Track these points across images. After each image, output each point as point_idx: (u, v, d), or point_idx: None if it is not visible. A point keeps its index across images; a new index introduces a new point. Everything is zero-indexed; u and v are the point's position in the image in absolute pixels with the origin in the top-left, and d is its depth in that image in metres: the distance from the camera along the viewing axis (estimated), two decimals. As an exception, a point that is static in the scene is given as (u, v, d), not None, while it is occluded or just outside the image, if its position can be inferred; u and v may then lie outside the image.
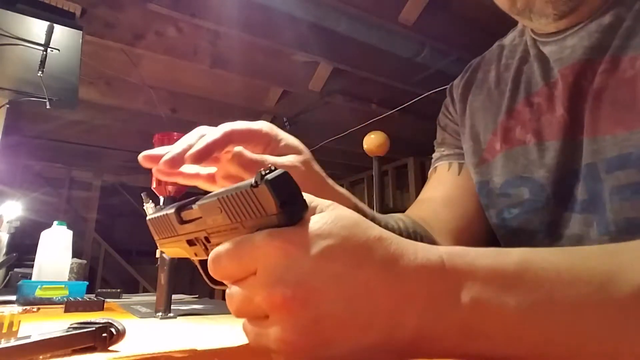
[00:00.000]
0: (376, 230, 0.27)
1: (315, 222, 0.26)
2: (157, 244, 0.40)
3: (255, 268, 0.26)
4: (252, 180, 0.26)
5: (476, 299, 0.24)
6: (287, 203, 0.26)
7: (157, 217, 0.38)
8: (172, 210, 0.35)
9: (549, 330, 0.24)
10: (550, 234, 0.50)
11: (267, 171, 0.26)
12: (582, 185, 0.47)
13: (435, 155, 0.68)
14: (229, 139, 0.38)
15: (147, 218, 0.38)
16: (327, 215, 0.27)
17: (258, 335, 0.26)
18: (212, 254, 0.28)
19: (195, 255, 0.35)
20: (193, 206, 0.33)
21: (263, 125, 0.41)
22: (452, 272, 0.26)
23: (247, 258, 0.26)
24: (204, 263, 0.33)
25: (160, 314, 0.79)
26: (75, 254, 1.33)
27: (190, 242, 0.35)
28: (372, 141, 2.04)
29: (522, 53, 0.57)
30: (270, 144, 0.42)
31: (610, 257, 0.26)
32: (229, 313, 0.30)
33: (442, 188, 0.63)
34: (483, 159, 0.58)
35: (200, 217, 0.31)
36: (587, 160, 0.46)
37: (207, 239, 0.32)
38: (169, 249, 0.39)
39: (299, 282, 0.24)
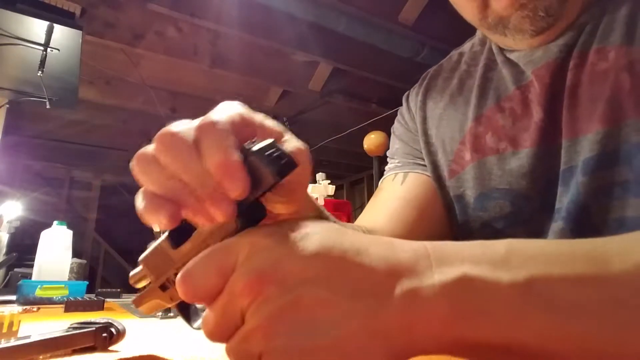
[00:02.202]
0: (351, 229, 0.27)
1: (288, 222, 0.26)
2: (135, 305, 0.37)
3: (232, 272, 0.24)
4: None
5: (467, 274, 0.23)
6: (282, 172, 0.24)
7: (150, 252, 0.33)
8: (165, 238, 0.32)
9: (549, 307, 0.22)
10: None
11: (250, 144, 0.25)
12: (561, 192, 0.44)
13: (387, 168, 0.64)
14: None
15: (140, 259, 0.35)
16: (299, 220, 0.27)
17: (240, 343, 0.24)
18: (182, 271, 0.26)
19: (171, 299, 0.33)
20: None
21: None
22: (437, 255, 0.24)
23: (222, 260, 0.24)
24: (182, 306, 0.32)
25: (160, 313, 0.79)
26: (75, 254, 1.33)
27: (163, 287, 0.32)
28: (372, 141, 2.04)
29: (486, 60, 0.55)
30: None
31: (603, 243, 0.25)
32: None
33: (383, 200, 0.59)
34: (452, 171, 0.54)
35: (196, 229, 0.29)
36: (567, 164, 0.43)
37: (176, 275, 0.30)
38: (145, 306, 0.36)
39: (275, 266, 0.23)
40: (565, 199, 0.44)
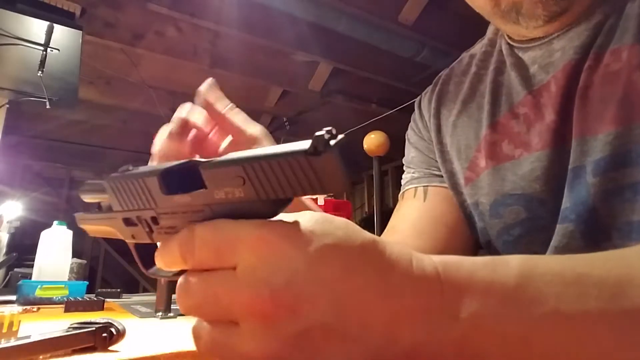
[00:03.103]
0: (368, 233, 0.24)
1: (308, 220, 0.23)
2: (78, 220, 0.32)
3: (235, 262, 0.22)
4: (305, 146, 0.20)
5: (474, 314, 0.22)
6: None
7: (128, 179, 0.27)
8: (155, 175, 0.25)
9: (555, 348, 0.22)
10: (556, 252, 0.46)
11: (328, 135, 0.19)
12: (568, 192, 0.43)
13: (405, 177, 0.63)
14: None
15: (107, 180, 0.28)
16: (317, 214, 0.24)
17: (220, 344, 0.22)
18: (181, 234, 0.24)
19: (133, 237, 0.29)
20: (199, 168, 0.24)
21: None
22: (448, 286, 0.23)
23: (228, 247, 0.22)
24: (141, 248, 0.29)
25: (160, 313, 0.79)
26: (75, 254, 1.33)
27: (129, 222, 0.28)
28: (372, 141, 2.03)
29: (496, 63, 0.54)
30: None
31: (619, 264, 0.24)
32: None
33: (410, 218, 0.58)
34: (467, 179, 0.54)
35: (205, 188, 0.23)
36: (575, 164, 0.43)
37: (154, 219, 0.26)
38: (91, 227, 0.32)
39: (289, 286, 0.21)
40: (572, 199, 0.43)
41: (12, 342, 0.37)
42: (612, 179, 0.40)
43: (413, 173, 0.62)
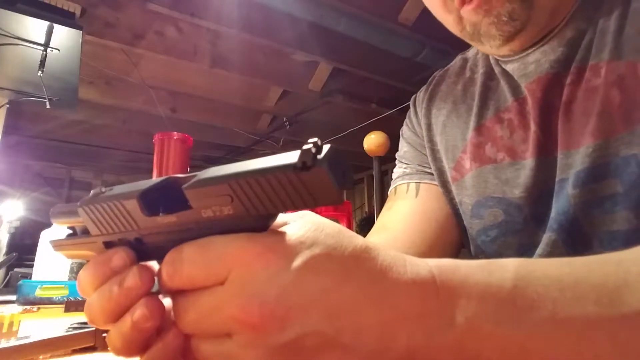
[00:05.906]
0: (361, 240, 0.24)
1: (298, 229, 0.23)
2: (55, 247, 0.31)
3: (225, 277, 0.22)
4: (293, 159, 0.20)
5: (471, 319, 0.22)
6: (341, 184, 0.20)
7: (103, 203, 0.26)
8: (134, 198, 0.24)
9: (553, 353, 0.22)
10: (530, 257, 0.47)
11: (315, 148, 0.19)
12: (553, 203, 0.45)
13: (396, 172, 0.64)
14: None
15: (80, 205, 0.27)
16: (308, 222, 0.24)
17: (216, 357, 0.23)
18: (170, 255, 0.24)
19: None
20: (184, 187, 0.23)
21: None
22: (444, 290, 0.23)
23: (217, 263, 0.22)
24: None
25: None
26: (75, 253, 1.33)
27: (111, 245, 0.27)
28: (372, 141, 2.03)
29: (486, 68, 0.56)
30: None
31: (616, 268, 0.24)
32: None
33: (401, 213, 0.59)
34: (453, 178, 0.56)
35: (191, 208, 0.23)
36: (560, 176, 0.44)
37: (138, 240, 0.26)
38: (70, 253, 0.31)
39: (280, 297, 0.21)
40: (556, 210, 0.44)
41: (12, 342, 0.37)
42: (591, 190, 0.41)
43: (405, 168, 0.63)
